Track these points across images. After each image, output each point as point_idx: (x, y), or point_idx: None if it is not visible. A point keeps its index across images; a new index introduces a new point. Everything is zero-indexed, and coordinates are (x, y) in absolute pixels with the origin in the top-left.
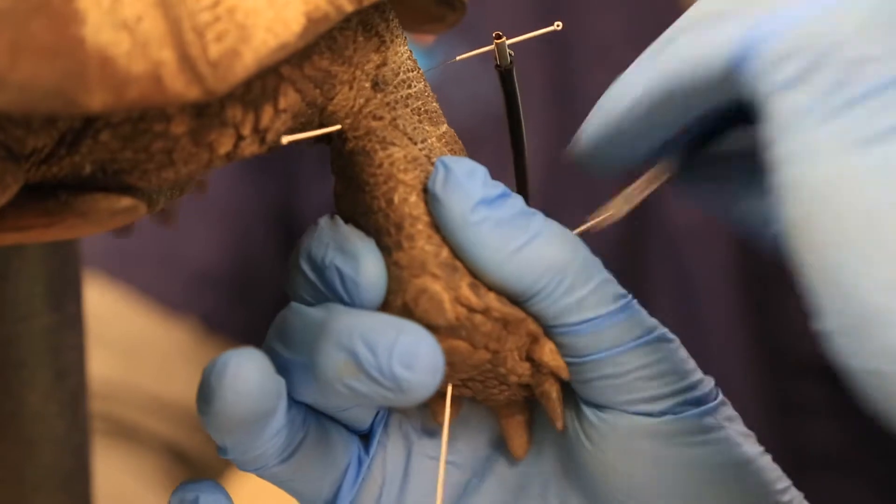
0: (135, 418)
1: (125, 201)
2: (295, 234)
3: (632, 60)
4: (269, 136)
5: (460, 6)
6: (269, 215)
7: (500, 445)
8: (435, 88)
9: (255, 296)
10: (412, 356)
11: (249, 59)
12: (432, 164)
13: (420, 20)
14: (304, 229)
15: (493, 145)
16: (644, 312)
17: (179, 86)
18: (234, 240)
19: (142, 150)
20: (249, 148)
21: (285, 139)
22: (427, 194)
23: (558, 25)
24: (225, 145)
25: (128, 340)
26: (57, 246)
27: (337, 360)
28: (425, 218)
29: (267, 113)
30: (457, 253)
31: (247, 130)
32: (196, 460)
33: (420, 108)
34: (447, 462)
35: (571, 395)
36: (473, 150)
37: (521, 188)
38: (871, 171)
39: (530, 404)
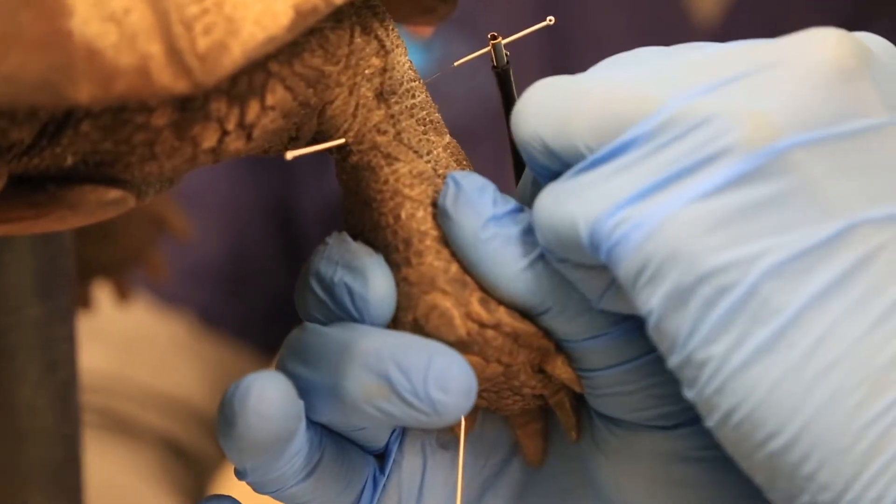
0: (130, 411)
1: (113, 193)
2: (291, 228)
3: None
4: (256, 133)
5: None
6: (265, 209)
7: (516, 456)
8: (432, 85)
9: (251, 290)
10: (447, 379)
11: (237, 51)
12: (439, 176)
13: (411, 12)
14: (301, 224)
15: (491, 142)
16: None
17: (167, 79)
18: (230, 233)
19: (123, 141)
20: (234, 144)
21: (289, 154)
22: (437, 210)
23: (550, 20)
24: (209, 140)
25: (123, 333)
26: (47, 237)
27: (366, 382)
28: (433, 233)
29: (253, 108)
30: (468, 269)
31: (231, 125)
32: (191, 453)
33: (425, 119)
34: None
35: (586, 406)
36: (472, 146)
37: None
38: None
39: (545, 413)
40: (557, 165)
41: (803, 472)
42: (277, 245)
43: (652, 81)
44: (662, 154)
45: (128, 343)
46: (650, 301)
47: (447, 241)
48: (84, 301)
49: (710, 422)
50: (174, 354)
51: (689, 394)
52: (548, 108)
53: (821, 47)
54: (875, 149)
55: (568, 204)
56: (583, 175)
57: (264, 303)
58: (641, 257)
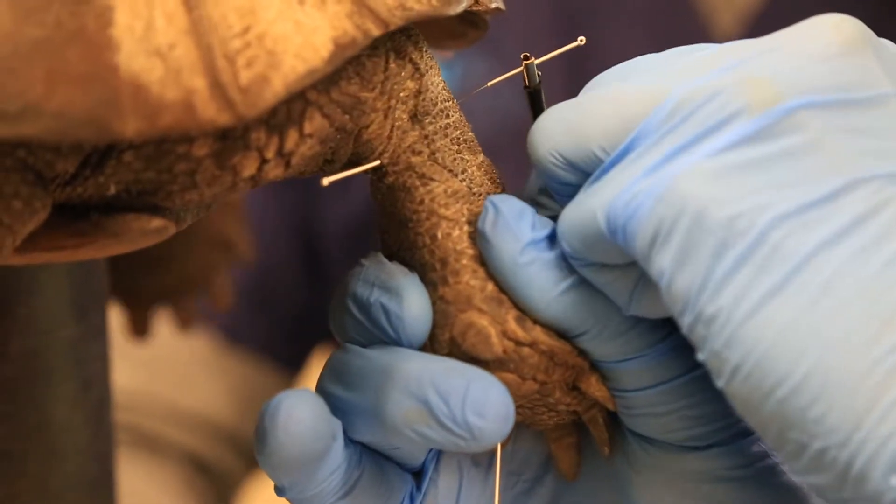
0: (155, 428)
1: (156, 222)
2: (315, 245)
3: None
4: (294, 160)
5: (482, 24)
6: (289, 227)
7: (549, 472)
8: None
9: (274, 307)
10: (484, 405)
11: (279, 84)
12: (475, 194)
13: (442, 37)
14: (324, 241)
15: (513, 158)
16: (689, 349)
17: (211, 112)
18: (254, 251)
19: (165, 170)
20: (274, 171)
21: (326, 180)
22: (475, 231)
23: (581, 40)
24: (248, 168)
25: (148, 351)
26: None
27: (406, 406)
28: (470, 252)
29: (291, 137)
30: (506, 293)
31: (270, 154)
32: (215, 469)
33: (458, 138)
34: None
35: (619, 424)
36: (495, 163)
37: None
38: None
39: (579, 428)
40: (577, 178)
41: (812, 415)
42: (300, 262)
43: (657, 80)
44: (673, 135)
45: (152, 360)
46: (662, 262)
47: (483, 260)
48: (142, 328)
49: (721, 380)
50: (198, 371)
51: (701, 355)
52: (560, 125)
53: (822, 27)
54: (880, 115)
55: (587, 203)
56: (602, 177)
57: (287, 320)
58: (653, 223)
